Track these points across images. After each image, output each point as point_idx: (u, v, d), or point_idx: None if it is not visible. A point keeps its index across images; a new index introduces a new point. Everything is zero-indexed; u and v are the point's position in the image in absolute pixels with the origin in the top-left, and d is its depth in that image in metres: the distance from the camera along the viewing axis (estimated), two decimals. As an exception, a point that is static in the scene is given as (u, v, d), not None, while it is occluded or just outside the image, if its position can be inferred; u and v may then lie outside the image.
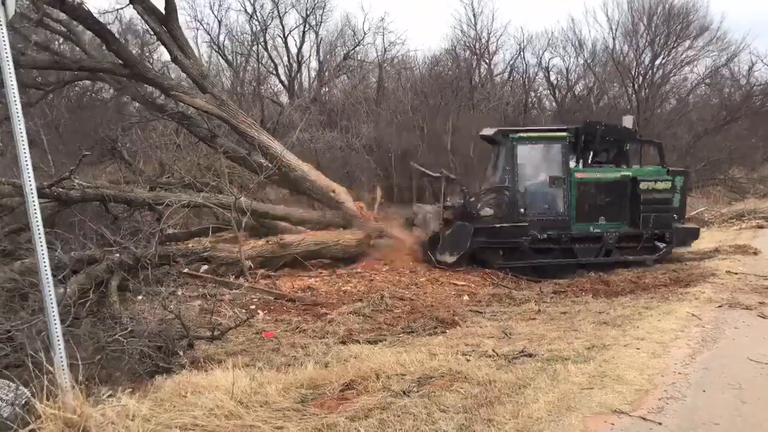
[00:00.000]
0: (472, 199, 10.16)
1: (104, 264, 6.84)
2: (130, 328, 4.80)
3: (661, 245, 10.64)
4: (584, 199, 10.39)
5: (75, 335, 4.52)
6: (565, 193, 10.30)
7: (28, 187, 3.53)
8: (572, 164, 10.53)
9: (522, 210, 10.16)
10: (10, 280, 5.48)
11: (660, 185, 10.49)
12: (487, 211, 10.19)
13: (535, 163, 10.56)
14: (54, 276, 5.42)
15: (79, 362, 3.78)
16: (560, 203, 10.37)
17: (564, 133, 10.47)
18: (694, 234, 11.07)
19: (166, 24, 10.07)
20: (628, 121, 11.64)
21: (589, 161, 10.82)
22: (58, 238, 6.44)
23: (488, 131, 11.00)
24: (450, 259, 9.78)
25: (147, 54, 22.29)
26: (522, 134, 10.45)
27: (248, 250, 9.09)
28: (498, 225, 10.04)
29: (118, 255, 7.06)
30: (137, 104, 16.18)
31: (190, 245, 9.67)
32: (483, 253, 10.18)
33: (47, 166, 9.42)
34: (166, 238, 9.56)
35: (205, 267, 8.58)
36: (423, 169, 11.78)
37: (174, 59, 10.26)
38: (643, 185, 10.39)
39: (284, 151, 10.71)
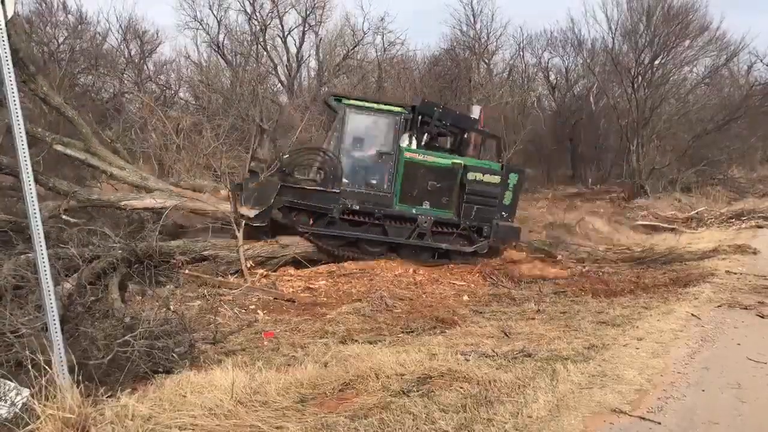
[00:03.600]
0: (286, 155, 9.75)
1: (105, 261, 6.83)
2: (131, 327, 4.79)
3: (479, 238, 10.43)
4: (411, 180, 10.05)
5: (74, 334, 4.52)
6: (391, 170, 9.99)
7: (27, 187, 3.53)
8: (406, 143, 10.13)
9: (344, 180, 9.76)
10: (15, 274, 5.47)
11: (488, 178, 10.29)
12: (306, 173, 9.78)
13: (365, 135, 10.22)
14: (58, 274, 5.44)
15: (74, 361, 3.78)
16: (385, 179, 10.04)
17: (399, 108, 10.11)
18: (515, 233, 10.95)
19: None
20: (475, 111, 11.37)
21: (423, 143, 10.37)
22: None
23: (327, 98, 10.81)
24: (250, 212, 9.16)
25: (147, 53, 22.37)
26: (355, 102, 10.11)
27: (247, 250, 9.09)
28: (308, 187, 9.58)
29: (120, 252, 7.05)
30: (137, 104, 16.19)
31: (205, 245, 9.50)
32: (291, 216, 9.66)
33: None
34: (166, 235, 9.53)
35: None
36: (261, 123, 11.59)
37: None
38: (470, 175, 10.15)
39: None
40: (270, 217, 9.34)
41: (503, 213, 10.64)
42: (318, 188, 9.61)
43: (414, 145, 10.18)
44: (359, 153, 10.10)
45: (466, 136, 10.93)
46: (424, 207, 10.17)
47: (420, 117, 10.15)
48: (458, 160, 10.30)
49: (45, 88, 9.43)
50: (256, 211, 9.12)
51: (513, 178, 10.74)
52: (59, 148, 9.12)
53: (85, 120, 10.51)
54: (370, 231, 10.04)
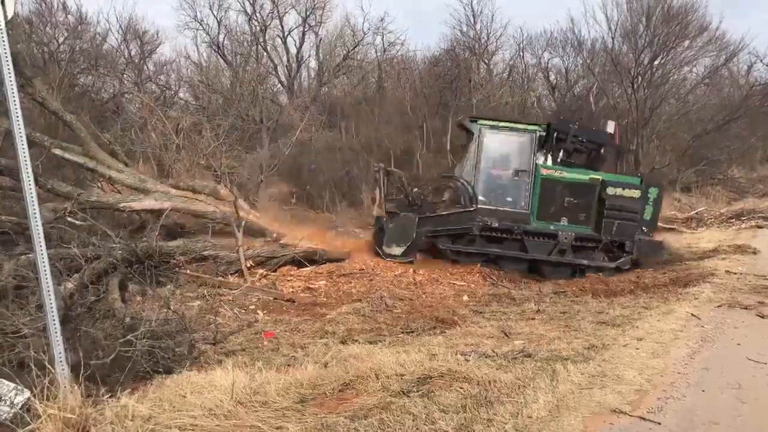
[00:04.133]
0: (415, 189, 10.16)
1: (105, 261, 6.83)
2: (132, 327, 4.80)
3: (621, 254, 10.34)
4: (548, 197, 10.22)
5: (76, 334, 4.52)
6: (528, 188, 10.21)
7: (27, 187, 3.53)
8: (541, 160, 10.37)
9: (481, 198, 10.09)
10: (16, 275, 5.47)
11: (628, 193, 10.24)
12: (445, 196, 10.29)
13: (501, 154, 10.51)
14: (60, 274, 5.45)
15: (75, 361, 3.78)
16: (521, 197, 10.28)
17: (534, 127, 10.37)
18: (659, 248, 10.74)
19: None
20: (610, 126, 11.49)
21: (559, 160, 10.57)
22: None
23: (463, 120, 11.01)
24: (397, 250, 9.76)
25: (147, 53, 22.37)
26: (490, 122, 10.40)
27: (247, 250, 9.09)
28: (445, 212, 10.01)
29: (120, 252, 7.05)
30: (137, 104, 16.19)
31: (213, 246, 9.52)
32: (434, 241, 10.14)
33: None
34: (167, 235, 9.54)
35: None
36: (374, 163, 12.09)
37: None
38: (609, 190, 10.17)
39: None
40: (416, 251, 9.93)
41: (644, 228, 10.48)
42: (454, 211, 10.03)
43: (550, 162, 10.41)
44: (495, 171, 10.40)
45: (602, 151, 10.99)
46: (561, 223, 10.29)
47: (555, 134, 10.38)
48: (596, 176, 10.37)
49: (43, 92, 9.49)
50: (402, 248, 9.76)
51: (653, 192, 10.60)
52: (57, 152, 9.16)
53: (83, 123, 10.55)
54: (510, 248, 10.24)
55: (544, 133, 10.26)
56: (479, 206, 10.04)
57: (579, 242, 10.26)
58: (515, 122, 10.87)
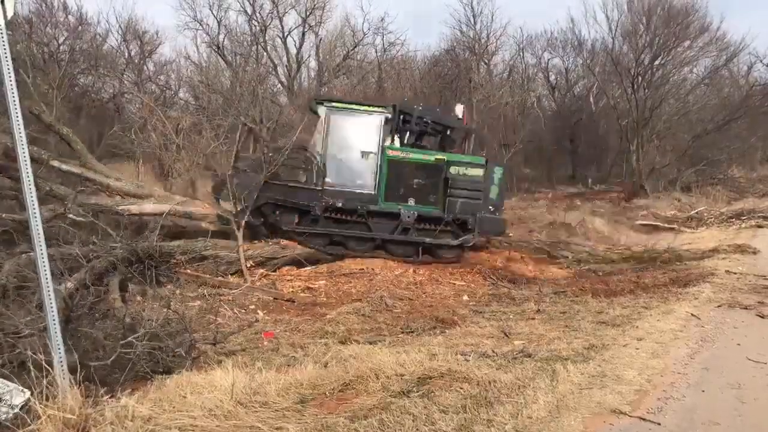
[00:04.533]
0: (271, 153, 9.95)
1: (106, 261, 6.84)
2: (132, 328, 4.80)
3: (463, 232, 10.50)
4: (395, 178, 10.23)
5: (76, 335, 4.52)
6: (375, 169, 10.20)
7: (27, 187, 3.53)
8: (388, 142, 10.35)
9: (328, 180, 10.00)
10: (17, 275, 5.47)
11: (471, 171, 10.35)
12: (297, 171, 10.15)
13: (348, 135, 10.37)
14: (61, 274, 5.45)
15: (76, 362, 3.78)
16: (369, 178, 10.23)
17: (380, 109, 10.38)
18: (500, 226, 11.03)
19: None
20: (458, 110, 11.49)
21: (406, 142, 10.59)
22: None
23: (309, 102, 11.19)
24: (228, 206, 9.35)
25: (147, 53, 22.37)
26: (337, 104, 10.40)
27: (247, 250, 9.09)
28: (290, 184, 9.86)
29: (121, 252, 7.06)
30: (137, 104, 16.19)
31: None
32: (275, 215, 9.90)
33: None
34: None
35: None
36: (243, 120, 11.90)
37: None
38: (453, 170, 10.27)
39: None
40: (251, 213, 9.34)
41: (490, 207, 10.69)
42: (300, 185, 9.82)
43: (397, 144, 10.38)
44: (342, 153, 10.24)
45: (449, 133, 11.03)
46: (409, 204, 10.29)
47: (401, 116, 10.38)
48: (441, 156, 10.42)
49: (39, 107, 9.66)
50: (239, 206, 9.11)
51: (498, 172, 10.86)
52: (55, 163, 9.28)
53: (79, 134, 10.69)
54: (355, 228, 10.19)
55: (390, 115, 10.27)
56: (327, 187, 9.97)
57: (423, 222, 10.36)
58: (361, 104, 10.95)
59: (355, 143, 10.25)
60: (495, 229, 11.01)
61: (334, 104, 10.31)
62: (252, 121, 15.69)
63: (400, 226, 10.26)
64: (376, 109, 10.38)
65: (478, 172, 10.43)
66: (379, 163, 10.17)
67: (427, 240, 10.39)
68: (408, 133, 10.58)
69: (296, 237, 10.02)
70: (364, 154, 10.19)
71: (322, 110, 10.15)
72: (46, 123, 10.08)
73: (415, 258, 10.34)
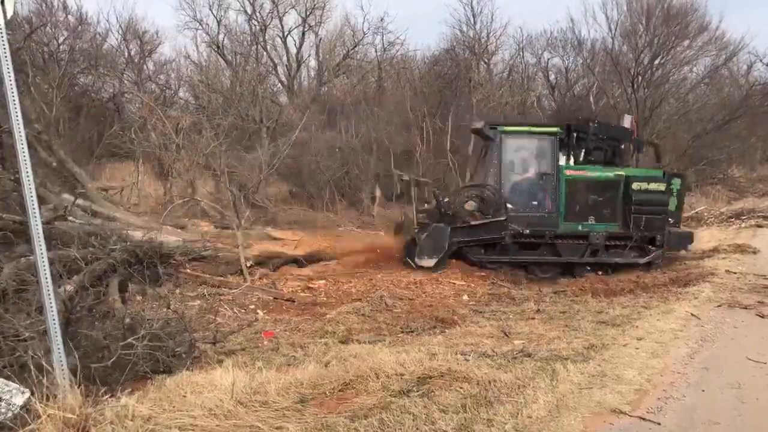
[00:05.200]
0: (446, 199, 10.08)
1: (105, 263, 6.83)
2: (132, 328, 4.80)
3: (652, 248, 10.32)
4: (574, 198, 10.18)
5: (76, 336, 4.52)
6: (553, 191, 10.15)
7: (27, 187, 3.53)
8: (563, 161, 10.33)
9: (507, 205, 10.02)
10: (16, 277, 5.46)
11: (653, 186, 10.18)
12: (472, 205, 10.06)
13: (523, 158, 10.44)
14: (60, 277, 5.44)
15: (76, 363, 3.78)
16: (548, 200, 10.21)
17: (554, 129, 10.32)
18: (688, 239, 10.76)
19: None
20: (626, 121, 11.45)
21: (581, 159, 10.56)
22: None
23: (478, 124, 10.75)
24: (429, 262, 9.63)
25: (147, 53, 22.38)
26: (509, 128, 10.32)
27: (248, 249, 9.09)
28: (475, 222, 9.90)
29: (120, 253, 7.05)
30: (137, 104, 16.19)
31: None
32: (464, 251, 10.08)
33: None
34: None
35: None
36: (398, 173, 11.94)
37: None
38: (635, 186, 10.11)
39: None
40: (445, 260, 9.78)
41: (670, 219, 10.50)
42: (485, 221, 9.90)
43: (572, 163, 10.38)
44: (519, 177, 10.36)
45: (622, 146, 10.96)
46: (589, 222, 10.21)
47: (576, 134, 10.35)
48: (620, 172, 10.32)
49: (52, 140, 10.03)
50: (435, 260, 9.63)
51: (676, 183, 10.67)
52: (65, 195, 9.43)
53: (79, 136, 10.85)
54: (542, 253, 10.22)
55: (565, 135, 10.26)
56: (509, 214, 10.00)
57: (610, 240, 10.21)
58: (534, 125, 10.86)
59: (532, 166, 10.37)
60: (683, 243, 10.70)
61: (506, 128, 10.29)
62: (252, 121, 15.65)
63: (590, 248, 10.17)
64: (549, 129, 10.37)
65: (661, 186, 10.26)
66: (556, 184, 10.13)
67: (618, 260, 10.18)
68: (583, 150, 10.51)
69: (487, 266, 10.03)
70: (542, 176, 10.21)
71: (495, 134, 10.13)
72: (58, 158, 10.41)
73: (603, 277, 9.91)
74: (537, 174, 10.26)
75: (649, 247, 10.33)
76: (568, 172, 10.17)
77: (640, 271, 9.98)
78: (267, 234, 10.69)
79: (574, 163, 10.45)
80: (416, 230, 10.03)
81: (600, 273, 10.09)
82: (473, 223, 9.89)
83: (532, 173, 10.35)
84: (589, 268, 10.27)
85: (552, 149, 10.15)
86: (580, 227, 10.20)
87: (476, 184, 10.43)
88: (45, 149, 10.35)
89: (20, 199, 5.11)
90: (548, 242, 10.15)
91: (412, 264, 9.74)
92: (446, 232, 9.73)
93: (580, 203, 10.21)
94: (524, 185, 10.31)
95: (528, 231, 9.99)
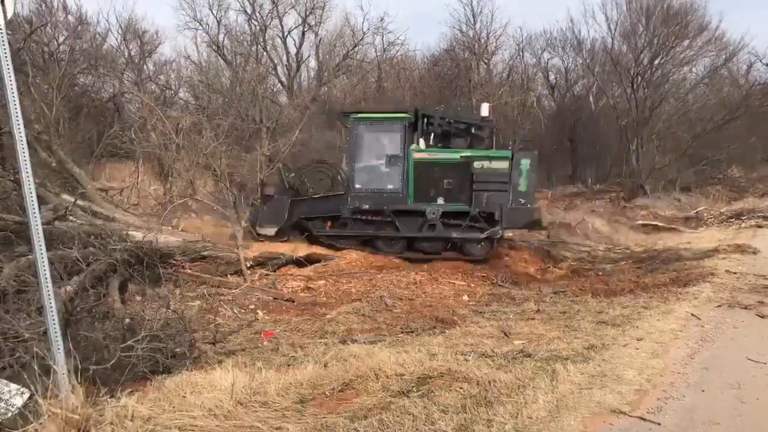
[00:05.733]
0: (292, 174, 10.72)
1: (105, 263, 6.82)
2: (132, 329, 4.79)
3: (490, 226, 10.71)
4: (423, 179, 10.66)
5: (76, 337, 4.52)
6: (402, 172, 10.68)
7: (27, 187, 3.53)
8: (423, 145, 10.83)
9: (357, 186, 10.73)
10: (17, 278, 5.46)
11: (495, 164, 10.59)
12: (325, 182, 10.81)
13: (375, 142, 11.02)
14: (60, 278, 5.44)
15: (77, 364, 3.78)
16: (396, 181, 10.74)
17: (403, 115, 10.89)
18: (528, 215, 10.98)
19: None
20: (484, 109, 11.68)
21: (431, 143, 10.97)
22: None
23: (336, 113, 12.01)
24: (269, 231, 10.35)
25: (147, 53, 22.38)
26: (361, 114, 11.00)
27: (247, 249, 9.09)
28: (316, 196, 10.57)
29: (120, 254, 7.05)
30: (137, 104, 16.18)
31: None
32: (308, 224, 10.76)
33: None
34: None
35: None
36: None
37: None
38: (476, 165, 10.58)
39: None
40: (287, 231, 10.47)
41: (520, 199, 10.77)
42: (325, 194, 10.52)
43: (423, 146, 10.81)
44: (372, 160, 10.90)
45: (473, 131, 11.23)
46: (438, 203, 10.70)
47: (425, 120, 10.89)
48: (466, 153, 10.76)
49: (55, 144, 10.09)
50: (274, 229, 10.31)
51: (525, 163, 10.85)
52: (65, 197, 9.46)
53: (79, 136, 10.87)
54: (384, 229, 10.78)
55: (413, 120, 10.82)
56: (355, 193, 10.70)
57: (450, 217, 10.72)
58: (385, 112, 11.53)
59: (382, 149, 10.91)
60: (523, 219, 11.03)
61: (358, 115, 10.93)
62: (252, 121, 15.67)
63: (426, 223, 10.66)
64: (398, 115, 10.94)
65: (503, 165, 10.63)
66: (405, 165, 10.63)
67: (455, 234, 10.70)
68: (432, 135, 10.96)
69: (328, 241, 10.69)
70: (391, 158, 10.76)
71: (348, 121, 10.89)
72: (58, 158, 10.44)
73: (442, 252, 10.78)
74: (387, 156, 10.82)
75: (487, 224, 10.78)
76: (415, 155, 10.66)
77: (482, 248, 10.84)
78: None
79: (426, 146, 10.88)
80: (258, 201, 10.52)
81: (450, 253, 10.80)
82: (313, 196, 10.58)
83: (382, 155, 10.90)
84: (427, 246, 10.91)
85: (401, 133, 10.74)
86: (427, 207, 10.73)
87: (323, 161, 11.30)
88: (45, 150, 10.35)
89: (20, 200, 5.13)
90: (388, 219, 10.72)
91: (254, 233, 10.32)
92: (286, 203, 10.48)
93: (429, 184, 10.73)
94: (375, 166, 10.88)
95: (367, 206, 10.64)
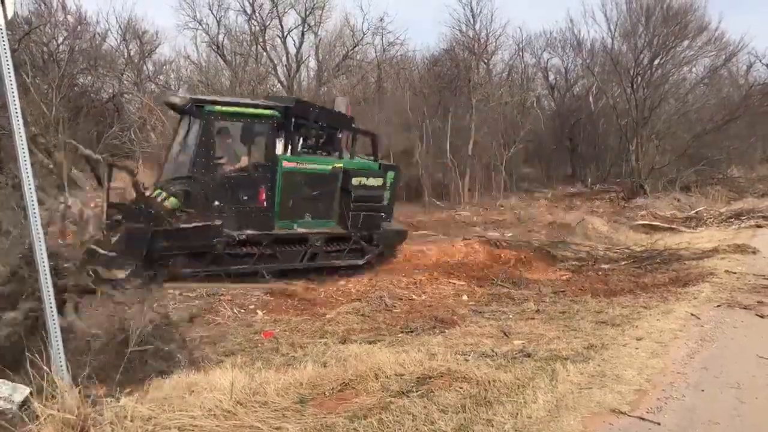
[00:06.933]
0: (153, 193, 8.02)
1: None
2: (126, 329, 4.78)
3: (369, 248, 9.61)
4: (290, 192, 8.83)
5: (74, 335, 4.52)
6: (268, 184, 8.63)
7: (26, 186, 3.53)
8: (279, 150, 8.96)
9: (215, 203, 8.23)
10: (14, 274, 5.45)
11: (372, 181, 9.36)
12: (173, 202, 7.93)
13: (234, 145, 8.87)
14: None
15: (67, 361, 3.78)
16: (262, 196, 8.59)
17: (272, 111, 8.65)
18: (402, 236, 10.34)
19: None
20: (341, 104, 10.42)
21: (299, 147, 9.20)
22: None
23: (177, 98, 8.85)
24: (121, 274, 6.54)
25: (146, 53, 22.39)
26: (221, 107, 8.42)
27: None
28: (184, 225, 7.85)
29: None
30: (137, 104, 16.19)
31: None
32: (168, 260, 7.89)
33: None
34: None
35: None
36: (85, 150, 7.68)
37: None
38: (355, 180, 9.14)
39: None
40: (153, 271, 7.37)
41: (383, 214, 9.83)
42: (195, 224, 7.94)
43: (289, 151, 9.03)
44: (230, 168, 8.67)
45: (339, 135, 9.83)
46: (305, 220, 9.10)
47: (294, 119, 8.95)
48: (338, 164, 9.31)
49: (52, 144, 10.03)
50: (127, 271, 6.63)
51: (390, 176, 9.94)
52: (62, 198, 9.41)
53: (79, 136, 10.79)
54: (261, 260, 8.67)
55: (282, 118, 8.76)
56: (216, 212, 8.23)
57: (329, 244, 9.27)
58: (248, 105, 8.93)
59: (244, 154, 8.76)
60: (398, 239, 10.31)
61: (216, 107, 8.36)
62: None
63: (310, 251, 9.04)
64: (265, 111, 8.66)
65: (379, 181, 9.51)
66: (271, 176, 8.66)
67: (338, 263, 9.31)
68: (302, 139, 9.23)
69: (195, 282, 7.91)
70: (256, 166, 8.67)
71: (201, 114, 8.17)
72: (57, 161, 10.34)
73: (315, 278, 8.96)
74: (251, 164, 8.67)
75: (366, 246, 9.60)
76: (286, 164, 8.70)
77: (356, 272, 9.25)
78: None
79: (291, 152, 8.99)
80: (105, 231, 7.22)
81: (313, 279, 8.86)
82: (182, 225, 7.83)
83: (244, 162, 8.72)
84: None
85: (269, 135, 8.65)
86: (295, 226, 9.00)
87: (179, 177, 8.30)
88: (42, 152, 10.36)
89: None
90: (265, 251, 8.67)
91: (92, 275, 5.98)
92: (146, 235, 7.48)
93: (296, 199, 8.90)
94: (234, 177, 8.56)
95: (243, 236, 8.35)
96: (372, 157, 10.24)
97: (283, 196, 8.81)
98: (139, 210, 7.64)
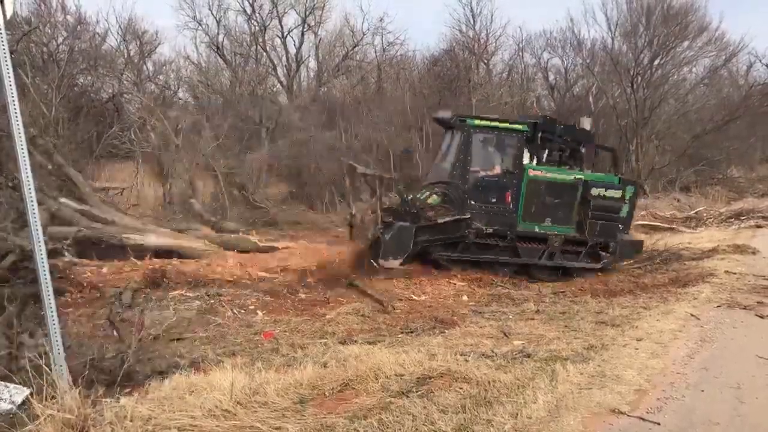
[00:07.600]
0: (410, 197, 9.66)
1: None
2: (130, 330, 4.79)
3: (605, 255, 10.28)
4: (533, 198, 9.98)
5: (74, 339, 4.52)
6: (515, 189, 9.95)
7: (26, 186, 3.53)
8: (526, 160, 10.16)
9: (469, 201, 9.81)
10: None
11: (611, 193, 10.15)
12: (434, 199, 9.78)
13: (488, 154, 10.26)
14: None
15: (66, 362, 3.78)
16: (509, 198, 9.97)
17: (522, 126, 10.04)
18: (638, 247, 10.89)
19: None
20: (586, 123, 11.32)
21: (543, 159, 10.40)
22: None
23: (444, 114, 10.50)
24: (394, 263, 9.29)
25: (146, 53, 22.38)
26: (479, 121, 10.02)
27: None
28: (441, 221, 9.52)
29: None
30: (136, 104, 16.19)
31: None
32: (429, 250, 9.72)
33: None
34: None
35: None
36: (361, 168, 11.23)
37: None
38: (594, 191, 10.03)
39: None
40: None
41: (620, 226, 10.47)
42: (449, 218, 9.55)
43: (534, 162, 10.23)
44: (483, 172, 10.09)
45: (582, 150, 10.78)
46: (546, 224, 10.09)
47: (541, 134, 10.15)
48: (579, 176, 10.22)
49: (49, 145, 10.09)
50: (399, 260, 9.28)
51: (629, 191, 10.59)
52: (63, 200, 9.41)
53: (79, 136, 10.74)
54: (502, 253, 10.01)
55: (531, 133, 10.03)
56: (471, 211, 9.76)
57: (566, 245, 10.15)
58: (504, 121, 10.41)
59: (497, 162, 10.20)
60: (634, 250, 10.82)
61: (477, 122, 9.99)
62: (252, 122, 15.70)
63: (548, 251, 10.09)
64: (517, 126, 10.07)
65: (617, 193, 10.23)
66: (517, 182, 9.92)
67: (575, 264, 10.17)
68: (546, 151, 10.37)
69: (448, 265, 9.73)
70: (506, 173, 10.04)
71: (464, 128, 9.85)
72: (55, 163, 10.38)
73: (553, 279, 10.05)
74: (502, 171, 10.09)
75: (602, 253, 10.31)
76: (530, 173, 9.95)
77: (596, 274, 10.11)
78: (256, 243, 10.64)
79: (537, 162, 10.26)
80: (380, 230, 9.53)
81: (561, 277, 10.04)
82: (439, 221, 9.52)
83: (497, 170, 10.14)
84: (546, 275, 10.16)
85: (518, 147, 9.97)
86: (536, 227, 10.06)
87: (441, 181, 10.06)
88: (41, 153, 10.33)
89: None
90: (508, 243, 9.94)
91: (376, 265, 9.30)
92: (411, 231, 9.34)
93: (538, 204, 10.02)
94: (487, 181, 10.05)
95: (491, 230, 9.77)
96: (612, 172, 11.20)
97: (527, 201, 9.99)
98: (405, 211, 9.52)
